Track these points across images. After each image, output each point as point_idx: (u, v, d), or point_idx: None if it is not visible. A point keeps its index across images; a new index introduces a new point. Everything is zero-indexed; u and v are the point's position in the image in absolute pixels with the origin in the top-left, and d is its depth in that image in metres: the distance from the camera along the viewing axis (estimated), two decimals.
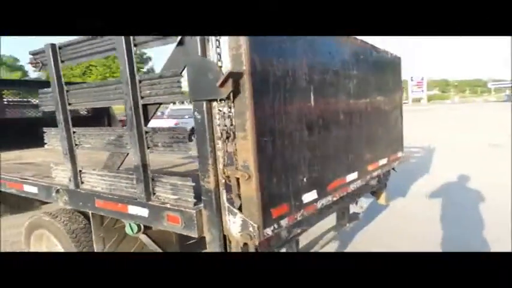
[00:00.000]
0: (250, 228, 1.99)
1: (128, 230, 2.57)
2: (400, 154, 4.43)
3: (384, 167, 3.91)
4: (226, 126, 2.00)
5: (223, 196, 2.07)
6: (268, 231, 2.07)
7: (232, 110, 1.98)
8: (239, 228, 2.04)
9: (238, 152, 2.00)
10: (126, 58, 2.29)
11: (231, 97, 1.95)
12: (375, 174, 3.69)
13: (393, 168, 4.54)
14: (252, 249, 2.13)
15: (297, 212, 2.35)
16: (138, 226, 2.52)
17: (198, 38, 1.98)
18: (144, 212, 2.40)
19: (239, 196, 2.04)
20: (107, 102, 2.56)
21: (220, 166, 2.06)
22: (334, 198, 2.86)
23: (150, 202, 2.37)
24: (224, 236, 2.13)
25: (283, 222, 2.21)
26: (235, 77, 1.89)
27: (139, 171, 2.38)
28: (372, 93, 3.54)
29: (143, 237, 2.78)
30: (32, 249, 3.66)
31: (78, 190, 2.87)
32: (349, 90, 3.07)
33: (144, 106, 2.35)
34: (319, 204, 2.61)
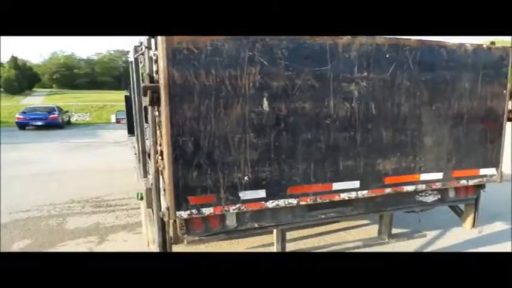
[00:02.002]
0: (164, 208, 2.53)
1: (135, 195, 3.52)
2: (484, 171, 3.58)
3: (435, 183, 3.37)
4: (157, 126, 2.57)
5: (160, 180, 2.67)
6: (183, 214, 2.54)
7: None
8: (162, 207, 2.60)
9: (162, 147, 2.54)
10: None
11: (157, 104, 2.49)
12: (408, 188, 3.27)
13: (480, 186, 3.73)
14: (179, 227, 2.67)
15: (230, 205, 2.66)
16: (141, 194, 3.42)
17: (146, 59, 2.58)
18: (141, 185, 3.27)
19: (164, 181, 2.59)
20: None
21: (157, 157, 2.65)
22: (303, 203, 2.90)
23: (143, 179, 3.21)
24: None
25: (206, 210, 2.60)
26: (152, 89, 2.42)
27: (139, 157, 3.24)
28: (406, 97, 3.11)
29: None
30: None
31: None
32: (349, 94, 2.90)
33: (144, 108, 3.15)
34: (270, 204, 2.78)
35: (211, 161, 2.58)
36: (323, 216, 3.20)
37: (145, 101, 2.49)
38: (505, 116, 3.57)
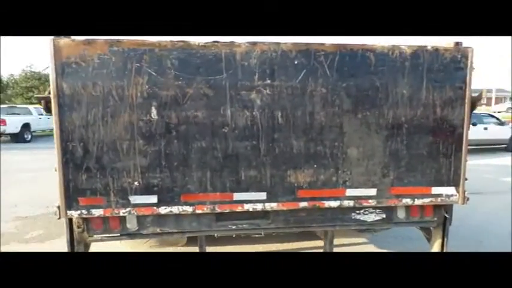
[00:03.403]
0: (56, 207, 2.78)
1: None
2: (438, 190, 3.13)
3: (367, 200, 3.07)
4: None
5: None
6: (74, 213, 2.77)
7: None
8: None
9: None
10: None
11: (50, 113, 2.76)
12: (331, 204, 3.03)
13: (441, 208, 3.27)
14: (77, 225, 2.89)
15: (120, 208, 2.81)
16: None
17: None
18: None
19: None
20: None
21: None
22: (200, 211, 2.90)
23: None
24: None
25: (96, 212, 2.78)
26: (45, 99, 2.72)
27: None
28: (323, 105, 2.92)
29: None
30: None
31: None
32: (250, 102, 2.84)
33: None
34: (163, 210, 2.85)
35: (101, 166, 2.76)
36: (234, 227, 3.13)
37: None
38: (465, 127, 3.06)
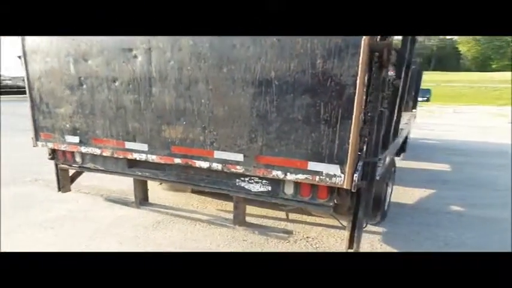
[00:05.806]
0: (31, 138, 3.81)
1: None
2: (316, 166, 2.51)
3: (235, 166, 2.80)
4: None
5: None
6: (39, 143, 3.75)
7: None
8: None
9: None
10: None
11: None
12: (201, 164, 2.93)
13: (334, 190, 2.63)
14: (48, 153, 3.89)
15: (61, 144, 3.60)
16: None
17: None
18: None
19: None
20: None
21: None
22: (105, 154, 3.36)
23: None
24: None
25: (50, 144, 3.68)
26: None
27: None
28: (190, 58, 2.77)
29: None
30: None
31: None
32: (133, 57, 3.00)
33: None
34: (83, 149, 3.47)
35: (48, 110, 3.59)
36: (140, 174, 3.41)
37: None
38: (359, 86, 2.23)
